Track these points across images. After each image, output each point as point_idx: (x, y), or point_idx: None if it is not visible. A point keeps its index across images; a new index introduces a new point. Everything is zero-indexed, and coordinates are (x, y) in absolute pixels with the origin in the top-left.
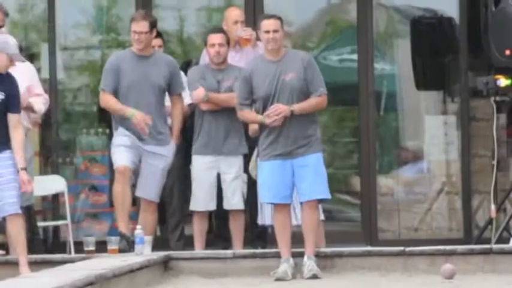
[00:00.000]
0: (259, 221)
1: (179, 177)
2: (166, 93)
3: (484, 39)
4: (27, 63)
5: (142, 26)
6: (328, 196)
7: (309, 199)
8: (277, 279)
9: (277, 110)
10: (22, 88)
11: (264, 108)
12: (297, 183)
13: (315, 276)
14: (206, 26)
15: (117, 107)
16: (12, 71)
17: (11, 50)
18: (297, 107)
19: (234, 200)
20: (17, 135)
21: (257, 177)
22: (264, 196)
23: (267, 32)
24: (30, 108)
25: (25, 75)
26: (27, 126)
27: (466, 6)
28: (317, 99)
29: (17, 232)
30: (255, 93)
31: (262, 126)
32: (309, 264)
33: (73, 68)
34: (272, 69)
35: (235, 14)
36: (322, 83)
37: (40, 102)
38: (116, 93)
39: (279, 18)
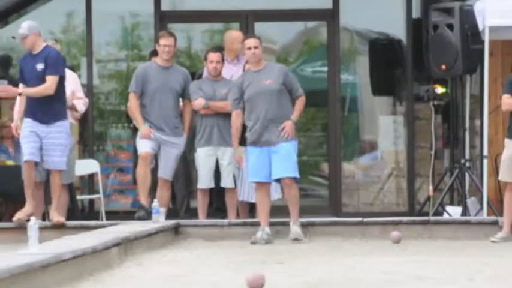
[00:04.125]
0: (240, 198)
1: (183, 162)
2: None
3: (425, 57)
4: (72, 73)
5: (171, 40)
6: (296, 175)
7: (282, 177)
8: (253, 243)
9: (287, 131)
10: (68, 92)
11: (250, 107)
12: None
13: (296, 240)
14: (208, 45)
15: (136, 115)
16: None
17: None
18: (295, 117)
19: (229, 180)
20: None
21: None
22: (250, 176)
23: (249, 48)
24: (74, 108)
25: (70, 82)
26: (71, 121)
27: (412, 31)
28: (300, 102)
29: (56, 184)
30: (244, 95)
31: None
32: (294, 229)
33: (105, 76)
34: (255, 77)
35: (237, 35)
36: (299, 86)
37: (81, 104)
38: (143, 96)
39: (258, 38)
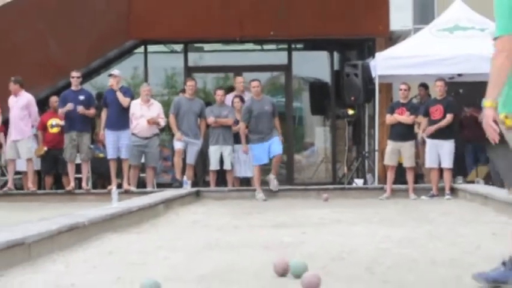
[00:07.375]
0: (238, 174)
1: (201, 154)
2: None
3: (342, 92)
4: (157, 102)
5: (193, 83)
6: (281, 152)
7: (275, 154)
8: (256, 200)
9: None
10: (155, 114)
11: (256, 121)
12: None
13: (279, 190)
14: (216, 85)
15: (173, 127)
16: (151, 104)
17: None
18: (280, 133)
19: (228, 165)
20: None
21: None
22: (254, 161)
23: (254, 87)
24: (158, 124)
25: (157, 108)
26: (157, 132)
27: (334, 77)
28: (278, 122)
29: (126, 166)
30: (252, 113)
31: (250, 128)
32: (274, 180)
33: None
34: (258, 104)
35: (239, 79)
36: (277, 111)
37: (163, 121)
38: (177, 116)
39: (259, 81)
